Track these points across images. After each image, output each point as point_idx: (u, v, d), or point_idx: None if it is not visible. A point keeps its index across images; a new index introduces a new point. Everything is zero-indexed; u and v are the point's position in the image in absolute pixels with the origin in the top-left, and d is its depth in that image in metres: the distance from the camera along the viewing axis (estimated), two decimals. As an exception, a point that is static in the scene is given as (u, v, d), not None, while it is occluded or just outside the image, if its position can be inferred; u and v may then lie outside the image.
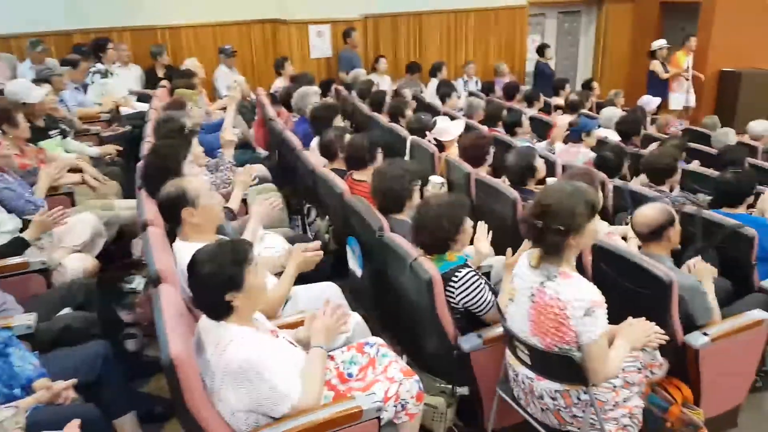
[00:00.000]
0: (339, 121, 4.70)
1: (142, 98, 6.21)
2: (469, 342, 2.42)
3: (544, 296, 2.06)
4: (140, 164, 3.46)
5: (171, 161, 3.09)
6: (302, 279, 2.74)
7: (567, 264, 2.09)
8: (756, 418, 2.93)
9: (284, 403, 1.91)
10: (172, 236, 2.65)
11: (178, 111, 4.24)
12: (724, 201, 3.45)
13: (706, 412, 2.58)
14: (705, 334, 2.53)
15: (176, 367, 1.78)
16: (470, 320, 2.56)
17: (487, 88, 8.08)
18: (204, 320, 2.01)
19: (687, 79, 8.46)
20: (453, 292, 2.48)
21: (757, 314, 2.72)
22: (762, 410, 2.99)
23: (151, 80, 6.89)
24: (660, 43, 8.55)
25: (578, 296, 1.98)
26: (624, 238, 3.11)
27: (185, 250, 2.35)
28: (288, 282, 2.58)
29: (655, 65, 8.49)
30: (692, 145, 5.15)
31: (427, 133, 4.88)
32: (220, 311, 1.95)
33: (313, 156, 4.15)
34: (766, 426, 2.90)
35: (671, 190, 3.95)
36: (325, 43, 8.10)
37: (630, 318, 2.27)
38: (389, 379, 2.15)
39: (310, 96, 5.24)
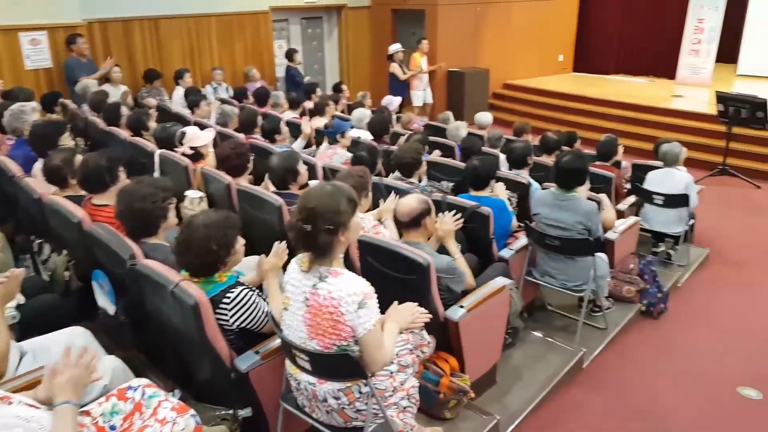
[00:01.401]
0: (68, 140, 4.16)
1: None
2: (246, 361, 2.34)
3: (318, 298, 2.09)
4: None
5: None
6: (41, 327, 2.34)
7: (336, 262, 2.15)
8: (510, 372, 3.42)
9: None
10: None
11: None
12: (472, 185, 3.93)
13: (471, 376, 2.92)
14: (461, 306, 2.85)
15: None
16: (248, 338, 2.48)
17: (240, 94, 7.96)
18: None
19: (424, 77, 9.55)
20: (226, 314, 2.38)
21: (500, 281, 3.15)
22: (513, 364, 3.49)
23: None
24: (396, 47, 9.44)
25: (350, 291, 2.05)
26: (379, 220, 3.36)
27: None
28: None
29: (394, 67, 9.34)
30: (432, 138, 5.77)
31: (178, 144, 4.60)
32: None
33: (37, 183, 3.59)
34: (518, 376, 3.39)
35: (420, 180, 4.37)
36: (42, 52, 7.11)
37: (395, 302, 2.43)
38: (160, 421, 1.96)
39: (27, 113, 4.54)
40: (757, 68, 10.93)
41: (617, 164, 5.49)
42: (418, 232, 3.01)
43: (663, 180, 4.91)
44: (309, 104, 7.30)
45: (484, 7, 10.61)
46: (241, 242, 2.51)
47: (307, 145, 5.55)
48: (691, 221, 5.07)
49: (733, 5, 10.41)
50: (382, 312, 2.23)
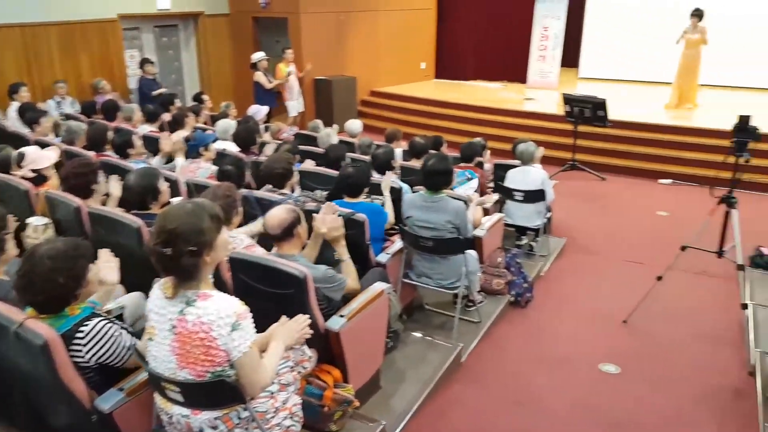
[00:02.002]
0: None
1: None
2: (109, 400, 2.15)
3: (187, 324, 1.97)
4: None
5: None
6: None
7: (205, 284, 2.04)
8: (393, 375, 3.47)
9: None
10: None
11: None
12: (347, 192, 3.94)
13: (355, 384, 2.92)
14: (341, 316, 2.84)
15: None
16: (109, 374, 2.27)
17: (89, 109, 7.36)
18: None
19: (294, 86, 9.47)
20: (81, 350, 2.17)
21: (378, 285, 3.19)
22: (395, 366, 3.55)
23: None
24: (259, 56, 9.27)
25: (222, 313, 1.96)
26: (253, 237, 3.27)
27: None
28: None
29: (259, 76, 9.17)
30: (303, 147, 5.73)
31: (16, 167, 4.15)
32: None
33: None
34: (401, 378, 3.46)
35: (292, 191, 4.32)
36: None
37: (283, 317, 2.36)
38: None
39: None
40: (596, 71, 12.17)
41: (480, 165, 5.82)
42: (292, 243, 2.96)
43: (521, 177, 5.28)
44: (168, 117, 6.93)
45: (348, 16, 10.77)
46: (95, 270, 2.30)
47: (168, 160, 5.26)
48: (549, 214, 5.50)
49: (573, 15, 11.50)
50: (261, 331, 2.16)
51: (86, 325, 2.18)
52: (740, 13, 10.64)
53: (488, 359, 3.88)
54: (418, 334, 3.90)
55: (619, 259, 5.49)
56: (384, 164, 4.74)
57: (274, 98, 9.39)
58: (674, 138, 8.26)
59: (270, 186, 4.18)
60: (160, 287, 2.06)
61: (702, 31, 8.93)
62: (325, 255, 3.23)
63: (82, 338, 2.16)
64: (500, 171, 5.70)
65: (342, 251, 3.20)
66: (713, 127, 8.00)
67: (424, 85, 12.29)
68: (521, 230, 5.48)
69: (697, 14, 8.95)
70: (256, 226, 3.41)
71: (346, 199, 3.95)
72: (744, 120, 3.89)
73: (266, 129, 7.08)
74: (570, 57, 12.26)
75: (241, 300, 2.04)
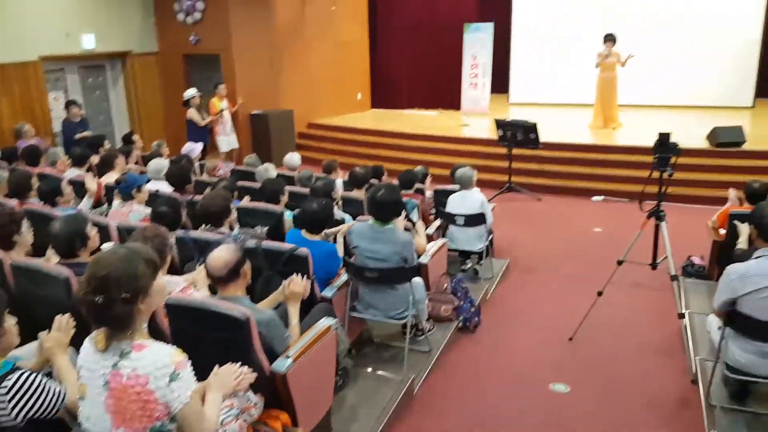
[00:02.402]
0: None
1: None
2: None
3: (122, 378, 1.85)
4: None
5: None
6: None
7: (140, 333, 1.94)
8: (344, 414, 3.38)
9: None
10: None
11: None
12: (308, 227, 3.90)
13: (306, 428, 2.83)
14: (287, 356, 2.76)
15: None
16: (42, 428, 2.11)
17: (10, 155, 7.00)
18: None
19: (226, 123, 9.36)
20: (4, 407, 2.02)
21: (324, 322, 3.13)
22: (347, 405, 3.47)
23: None
24: (191, 93, 9.13)
25: (159, 364, 1.86)
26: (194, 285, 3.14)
27: None
28: None
29: (192, 113, 9.01)
30: (240, 183, 5.63)
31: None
32: None
33: None
34: (353, 417, 3.38)
35: (231, 229, 4.21)
36: None
37: (216, 367, 2.26)
38: None
39: None
40: (525, 96, 12.66)
41: (421, 191, 5.89)
42: (237, 283, 2.86)
43: (462, 202, 5.37)
44: (96, 159, 6.68)
45: (281, 50, 10.81)
46: (12, 320, 2.15)
47: (97, 205, 5.05)
48: (490, 237, 5.60)
49: (500, 43, 11.99)
50: (202, 379, 2.06)
51: (9, 380, 2.04)
52: (653, 37, 11.36)
53: (441, 388, 3.86)
54: (368, 369, 3.83)
55: (561, 276, 5.63)
56: (325, 196, 4.72)
57: (207, 135, 9.24)
58: (602, 156, 8.65)
59: (207, 225, 4.07)
60: (91, 340, 1.94)
61: (617, 54, 9.50)
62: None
63: (5, 395, 2.01)
64: (441, 197, 5.78)
65: (294, 313, 3.09)
66: (637, 145, 8.43)
67: (361, 116, 12.42)
68: (465, 254, 5.54)
69: (611, 39, 9.52)
70: (197, 273, 3.30)
71: (306, 235, 3.89)
72: (664, 137, 4.10)
73: (201, 167, 6.93)
74: (500, 83, 12.73)
75: (181, 348, 1.95)
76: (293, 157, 7.22)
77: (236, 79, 10.08)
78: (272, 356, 2.76)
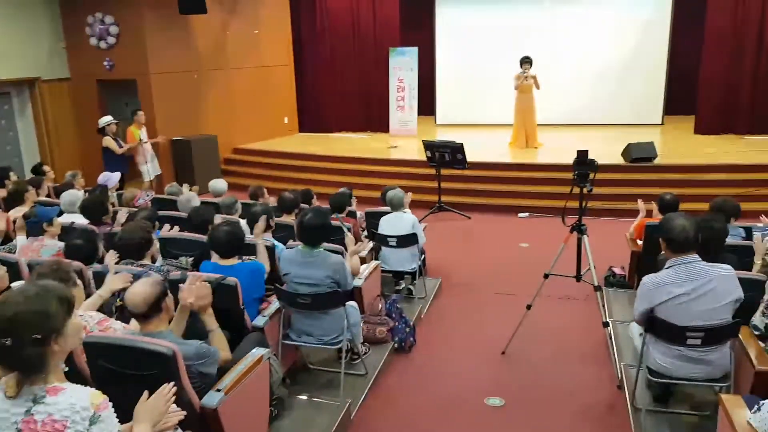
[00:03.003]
0: None
1: None
2: None
3: (36, 425, 1.75)
4: None
5: None
6: None
7: (55, 375, 1.84)
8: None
9: None
10: None
11: None
12: (221, 253, 3.81)
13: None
14: (218, 390, 2.68)
15: None
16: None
17: None
18: None
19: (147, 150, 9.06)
20: None
21: (256, 351, 3.07)
22: (285, 435, 3.40)
23: None
24: (107, 120, 8.80)
25: (77, 407, 1.77)
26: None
27: None
28: None
29: (108, 141, 8.68)
30: (162, 212, 5.46)
31: None
32: None
33: None
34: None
35: (153, 261, 4.07)
36: None
37: (144, 394, 2.17)
38: None
39: None
40: (450, 118, 13.04)
41: (353, 214, 5.92)
42: (160, 318, 2.77)
43: (393, 223, 5.43)
44: (3, 193, 6.30)
45: (202, 75, 10.64)
46: None
47: (5, 241, 4.76)
48: (423, 256, 5.69)
49: (425, 66, 12.33)
50: (128, 420, 1.98)
51: None
52: (569, 60, 12.04)
53: (379, 411, 3.85)
54: (303, 397, 3.78)
55: (492, 292, 5.78)
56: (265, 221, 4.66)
57: (126, 163, 8.91)
58: (526, 174, 9.02)
59: (127, 258, 3.91)
60: (0, 387, 1.82)
61: (534, 77, 9.99)
62: (191, 327, 3.06)
63: None
64: (373, 219, 5.83)
65: (210, 321, 3.03)
66: (558, 162, 8.85)
67: (288, 140, 12.37)
68: (398, 275, 5.60)
69: (527, 61, 10.01)
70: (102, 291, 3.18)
71: (220, 261, 3.81)
72: (582, 154, 4.34)
73: (119, 197, 6.67)
74: (427, 105, 13.06)
75: (102, 389, 1.87)
76: (218, 184, 7.09)
77: (154, 104, 9.81)
78: (203, 388, 2.68)
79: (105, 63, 9.91)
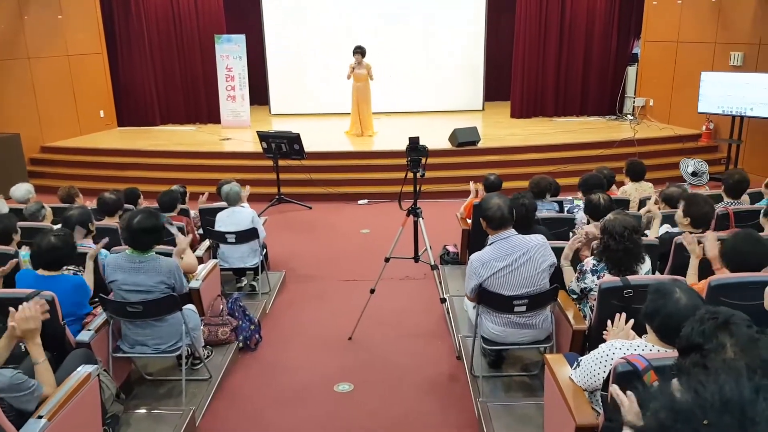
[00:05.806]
0: None
1: None
2: None
3: None
4: None
5: None
6: None
7: None
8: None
9: None
10: None
11: None
12: (44, 265, 3.51)
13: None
14: (39, 417, 2.43)
15: None
16: None
17: None
18: None
19: None
20: None
21: (83, 369, 2.83)
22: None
23: None
24: None
25: None
26: None
27: None
28: None
29: None
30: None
31: None
32: None
33: None
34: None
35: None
36: None
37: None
38: None
39: None
40: (285, 107, 12.92)
41: (185, 212, 5.64)
42: None
43: (230, 219, 5.28)
44: None
45: (-4, 64, 9.39)
46: None
47: None
48: (264, 251, 5.61)
49: (255, 54, 12.04)
50: None
51: None
52: (399, 51, 12.53)
53: (226, 413, 3.75)
54: (142, 411, 3.56)
55: (336, 280, 5.88)
56: (83, 226, 4.25)
57: None
58: (364, 162, 9.27)
59: None
60: None
61: (367, 66, 10.26)
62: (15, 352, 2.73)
63: None
64: (207, 215, 5.61)
65: (36, 351, 2.68)
66: (393, 149, 9.21)
67: (106, 135, 11.39)
68: (240, 272, 5.47)
69: (360, 51, 10.24)
70: None
71: (42, 273, 3.43)
72: (414, 141, 4.57)
73: None
74: (260, 95, 12.81)
75: None
76: (20, 189, 6.28)
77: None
78: (21, 418, 2.41)
79: None
